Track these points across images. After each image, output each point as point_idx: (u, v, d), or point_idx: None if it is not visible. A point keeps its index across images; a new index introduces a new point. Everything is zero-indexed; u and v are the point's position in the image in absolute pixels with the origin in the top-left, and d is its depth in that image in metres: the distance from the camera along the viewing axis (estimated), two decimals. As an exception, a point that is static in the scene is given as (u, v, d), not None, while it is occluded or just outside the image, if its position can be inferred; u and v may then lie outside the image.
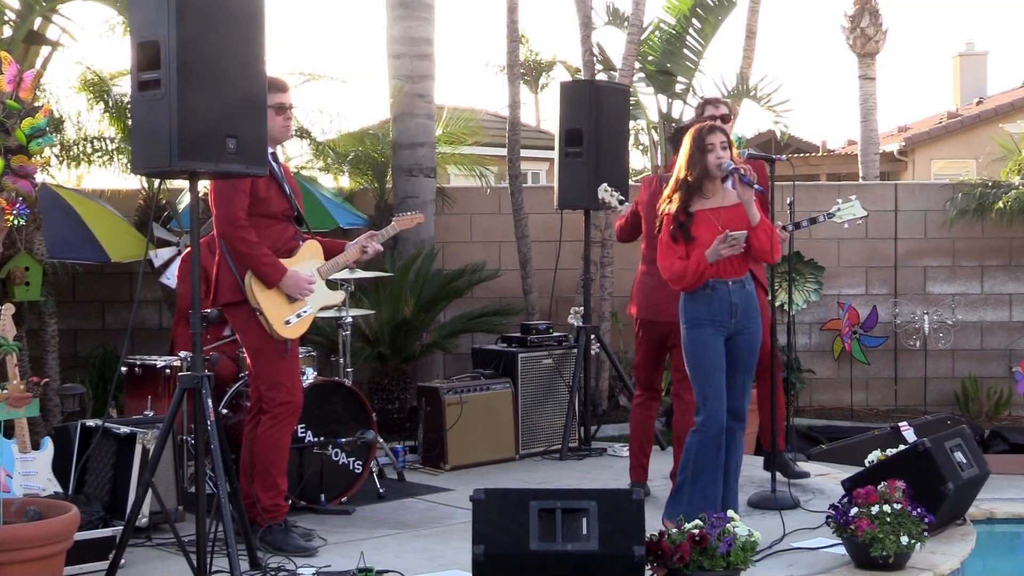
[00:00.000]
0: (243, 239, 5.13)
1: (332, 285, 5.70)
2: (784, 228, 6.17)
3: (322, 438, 6.07)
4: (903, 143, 21.75)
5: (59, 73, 12.58)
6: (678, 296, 5.62)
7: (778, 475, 6.16)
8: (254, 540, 5.07)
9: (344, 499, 6.15)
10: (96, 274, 8.83)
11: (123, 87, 8.45)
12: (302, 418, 5.88)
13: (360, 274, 6.65)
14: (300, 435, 5.98)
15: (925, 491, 5.10)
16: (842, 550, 5.01)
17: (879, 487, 4.96)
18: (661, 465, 6.54)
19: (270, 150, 5.24)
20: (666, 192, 5.36)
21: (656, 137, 10.50)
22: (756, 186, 5.24)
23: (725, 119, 6.20)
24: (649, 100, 10.55)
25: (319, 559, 5.10)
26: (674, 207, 5.25)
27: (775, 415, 6.30)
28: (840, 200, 6.34)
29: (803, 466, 6.81)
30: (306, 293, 5.28)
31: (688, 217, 5.23)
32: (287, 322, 5.22)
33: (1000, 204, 9.74)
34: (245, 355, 6.35)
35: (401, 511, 6.12)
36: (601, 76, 10.10)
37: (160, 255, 8.22)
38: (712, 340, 5.24)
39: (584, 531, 4.30)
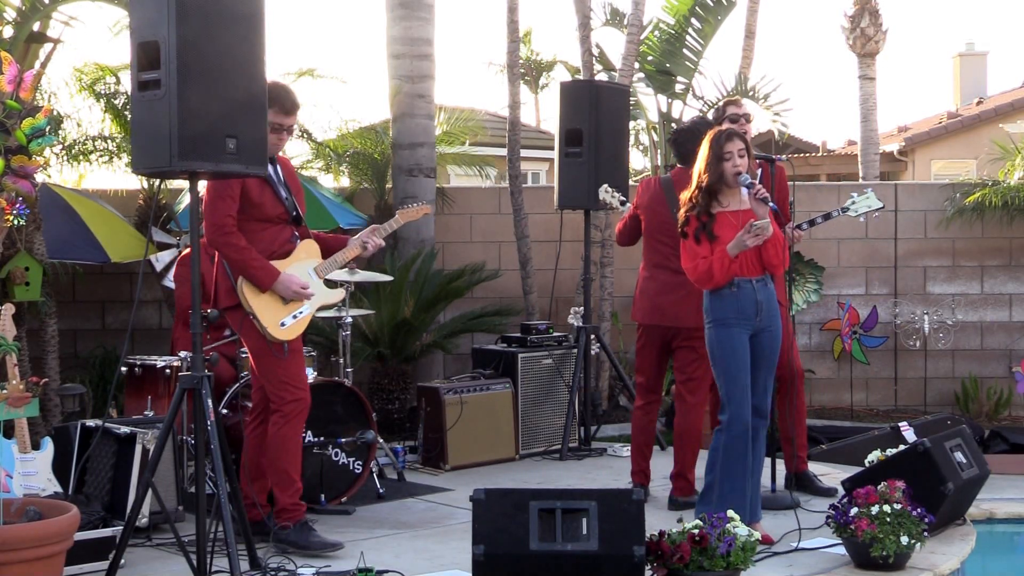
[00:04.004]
0: (231, 244, 5.09)
1: (331, 283, 5.65)
2: (799, 227, 6.15)
3: (322, 438, 6.07)
4: (903, 143, 21.76)
5: (59, 71, 12.61)
6: (682, 299, 5.61)
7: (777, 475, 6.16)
8: (259, 540, 5.09)
9: (344, 499, 6.15)
10: (96, 274, 8.83)
11: (125, 84, 8.47)
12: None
13: (360, 275, 6.64)
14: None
15: (925, 491, 5.10)
16: (842, 550, 5.02)
17: (879, 487, 4.96)
18: (661, 466, 6.54)
19: None
20: (686, 195, 5.36)
21: (656, 137, 10.50)
22: (771, 204, 5.25)
23: (748, 118, 6.22)
24: (649, 100, 10.56)
25: (322, 559, 5.07)
26: (696, 210, 5.27)
27: (768, 431, 6.26)
28: (855, 193, 6.30)
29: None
30: (300, 297, 5.23)
31: (710, 218, 5.25)
32: (282, 324, 5.18)
33: (987, 202, 9.74)
34: (248, 356, 6.39)
35: (401, 511, 6.12)
36: (601, 76, 10.10)
37: (161, 258, 8.22)
38: (740, 339, 5.25)
39: (584, 531, 4.30)
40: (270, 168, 5.22)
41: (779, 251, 5.36)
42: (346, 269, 5.94)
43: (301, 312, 5.27)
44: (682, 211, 5.35)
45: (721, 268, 5.18)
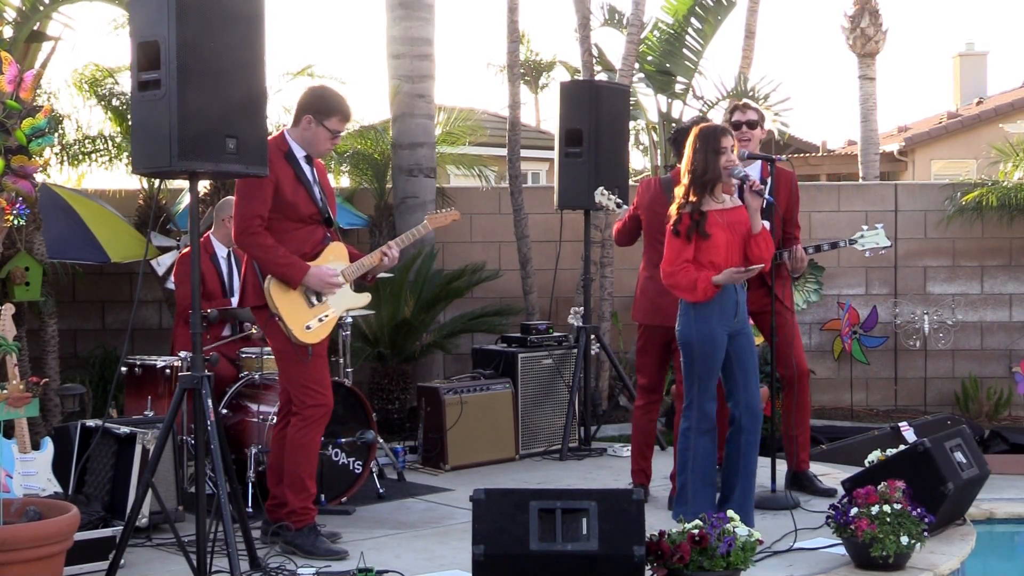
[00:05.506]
0: (257, 244, 5.07)
1: (359, 287, 5.56)
2: (805, 250, 6.17)
3: (322, 438, 6.06)
4: (903, 143, 21.75)
5: (60, 71, 12.63)
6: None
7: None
8: (278, 542, 5.13)
9: (344, 499, 6.15)
10: (96, 274, 8.83)
11: (125, 85, 8.47)
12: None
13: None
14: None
15: (925, 491, 5.10)
16: (842, 550, 5.01)
17: (879, 487, 4.95)
18: (661, 466, 6.54)
19: (302, 152, 5.23)
20: (679, 191, 5.37)
21: (656, 137, 10.51)
22: (767, 196, 5.27)
23: (752, 124, 6.19)
24: (649, 100, 10.58)
25: (346, 562, 5.04)
26: (689, 208, 5.28)
27: (763, 428, 6.25)
28: (865, 227, 6.36)
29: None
30: (332, 288, 5.21)
31: (703, 216, 5.27)
32: (307, 327, 5.15)
33: (985, 201, 9.75)
34: (246, 355, 6.39)
35: (401, 511, 6.12)
36: (601, 76, 10.10)
37: (162, 262, 8.21)
38: (720, 337, 5.30)
39: (584, 531, 4.30)
40: (306, 168, 5.24)
41: (769, 245, 5.43)
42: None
43: (327, 315, 5.24)
44: (674, 208, 5.35)
45: (705, 291, 5.23)
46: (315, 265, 5.20)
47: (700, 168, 5.28)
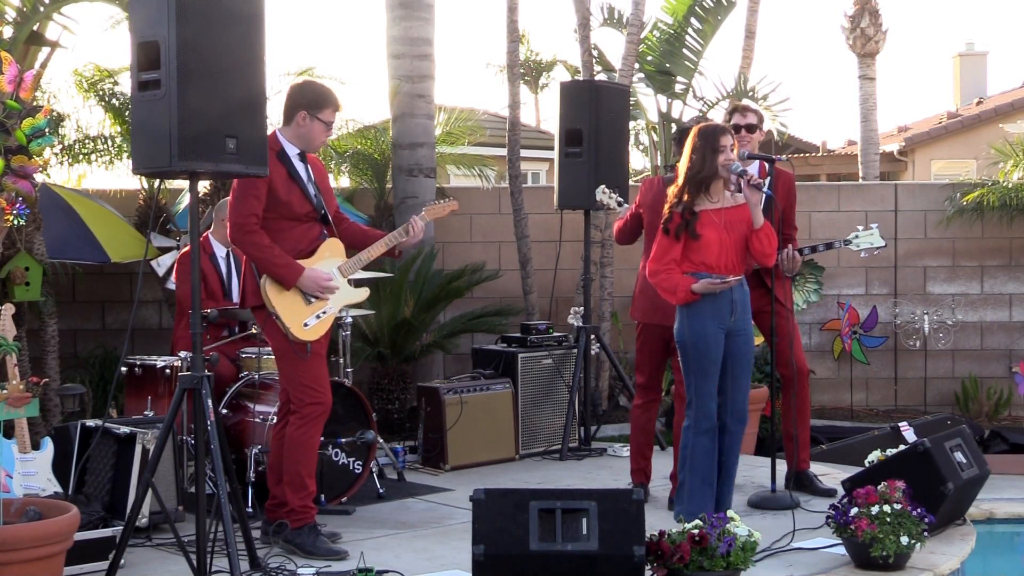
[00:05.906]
0: (253, 243, 5.08)
1: (356, 282, 5.54)
2: (801, 251, 6.17)
3: (322, 438, 6.06)
4: (903, 143, 21.75)
5: (60, 72, 12.62)
6: None
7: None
8: (278, 541, 5.14)
9: (344, 499, 6.15)
10: (96, 274, 8.83)
11: (124, 85, 8.47)
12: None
13: (360, 274, 6.63)
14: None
15: (925, 491, 5.10)
16: (842, 550, 5.01)
17: (879, 487, 4.96)
18: (661, 466, 6.54)
19: (296, 151, 5.25)
20: (673, 190, 5.38)
21: (656, 137, 10.50)
22: (765, 190, 5.28)
23: (751, 128, 6.18)
24: (649, 100, 10.57)
25: (346, 562, 5.04)
26: (681, 207, 5.28)
27: (764, 430, 6.28)
28: (860, 227, 6.37)
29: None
30: (326, 292, 5.21)
31: (693, 216, 5.26)
32: (305, 324, 5.16)
33: (985, 202, 9.76)
34: (246, 355, 6.40)
35: (401, 511, 6.12)
36: (601, 76, 10.11)
37: (162, 263, 8.21)
38: (714, 335, 5.29)
39: (584, 531, 4.30)
40: (299, 166, 5.25)
41: (772, 240, 5.41)
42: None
43: (325, 312, 5.24)
44: (667, 207, 5.36)
45: (684, 298, 5.26)
46: (311, 264, 5.21)
47: (696, 166, 5.29)
